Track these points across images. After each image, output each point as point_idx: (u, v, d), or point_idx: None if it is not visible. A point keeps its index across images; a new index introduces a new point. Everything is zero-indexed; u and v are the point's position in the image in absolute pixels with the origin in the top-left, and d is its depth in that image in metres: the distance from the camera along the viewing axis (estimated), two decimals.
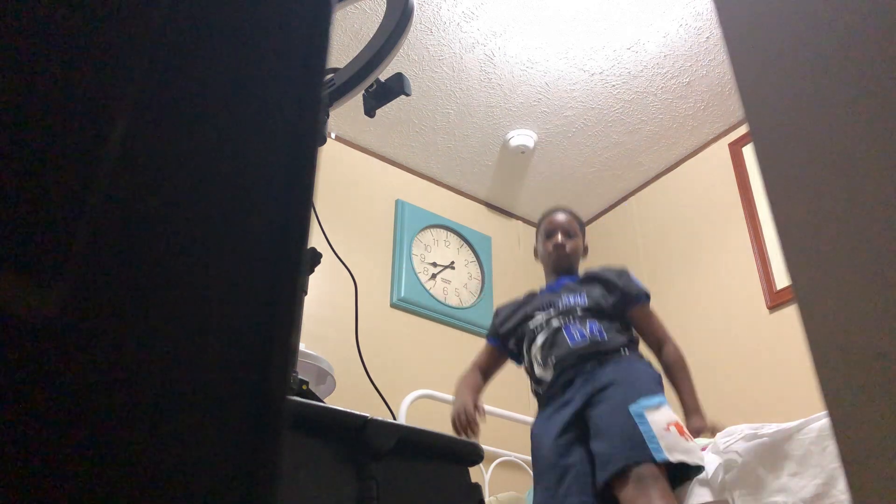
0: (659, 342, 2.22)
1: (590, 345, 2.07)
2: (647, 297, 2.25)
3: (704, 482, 1.73)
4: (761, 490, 1.64)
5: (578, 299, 2.19)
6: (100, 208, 0.24)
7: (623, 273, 2.28)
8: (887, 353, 0.38)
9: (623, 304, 2.20)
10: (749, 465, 1.68)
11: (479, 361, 2.39)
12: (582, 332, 2.11)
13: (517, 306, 2.36)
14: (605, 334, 2.09)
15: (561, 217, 2.42)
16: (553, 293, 2.28)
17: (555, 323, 2.17)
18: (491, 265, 3.65)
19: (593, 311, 2.17)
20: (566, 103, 3.26)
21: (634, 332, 2.23)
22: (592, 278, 2.26)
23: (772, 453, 1.67)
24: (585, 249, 2.45)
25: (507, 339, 2.31)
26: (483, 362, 2.37)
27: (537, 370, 2.17)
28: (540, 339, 2.18)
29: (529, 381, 2.26)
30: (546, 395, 2.14)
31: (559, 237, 2.35)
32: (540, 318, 2.22)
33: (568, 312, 2.18)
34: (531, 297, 2.37)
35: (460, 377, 2.36)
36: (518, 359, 2.31)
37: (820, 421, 1.63)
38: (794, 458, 1.62)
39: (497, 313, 2.43)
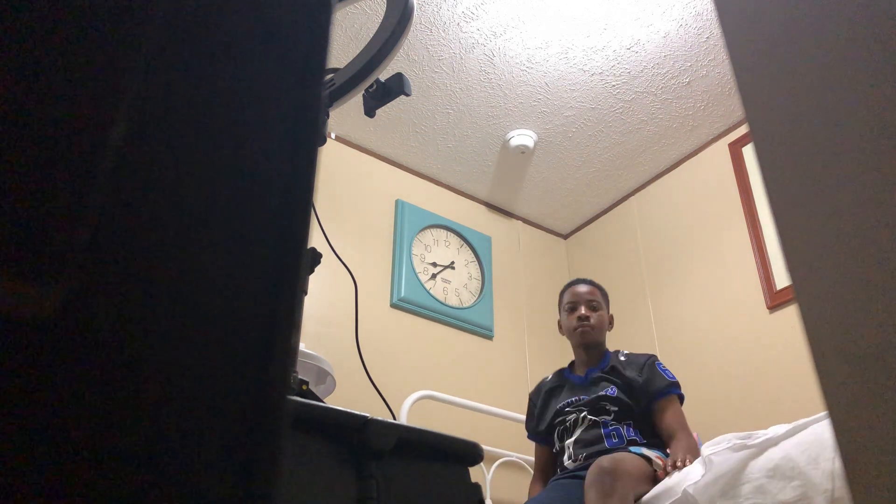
0: (670, 433, 2.14)
1: (626, 446, 2.10)
2: (673, 389, 2.21)
3: (689, 494, 1.72)
4: (739, 495, 1.64)
5: (606, 390, 2.20)
6: (100, 208, 0.24)
7: (649, 366, 2.24)
8: (887, 353, 0.38)
9: (648, 402, 2.20)
10: (731, 474, 1.68)
11: (540, 466, 2.39)
12: (619, 434, 2.13)
13: (549, 396, 2.36)
14: (641, 437, 2.12)
15: (583, 288, 2.39)
16: (583, 387, 2.29)
17: (589, 421, 2.19)
18: (491, 265, 3.65)
19: (626, 408, 2.18)
20: (566, 103, 3.26)
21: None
22: (618, 372, 2.25)
23: (753, 460, 1.66)
24: (611, 321, 2.44)
25: (549, 434, 2.33)
26: (544, 464, 2.38)
27: (566, 461, 2.20)
28: (576, 435, 2.21)
29: (556, 458, 2.30)
30: (563, 473, 2.19)
31: (583, 310, 2.33)
32: (574, 415, 2.23)
33: (600, 409, 2.19)
34: (560, 384, 2.37)
35: (530, 488, 2.38)
36: (552, 445, 2.34)
37: (807, 428, 1.63)
38: (775, 460, 1.62)
39: (532, 403, 2.44)
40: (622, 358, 2.32)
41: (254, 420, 0.26)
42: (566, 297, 2.42)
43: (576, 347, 2.38)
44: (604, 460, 1.86)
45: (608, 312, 2.44)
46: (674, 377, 2.24)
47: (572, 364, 2.46)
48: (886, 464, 0.37)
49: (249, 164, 0.29)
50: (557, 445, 2.27)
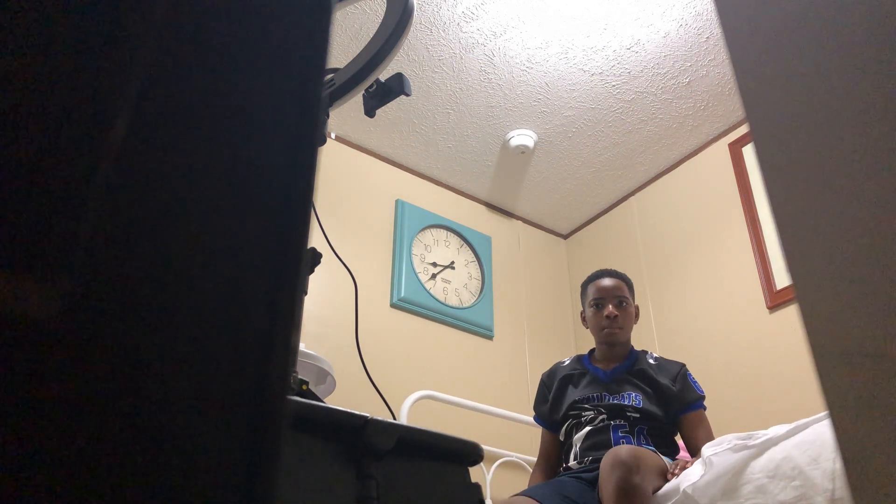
0: (698, 447, 2.10)
1: None
2: (702, 402, 2.19)
3: (689, 495, 1.72)
4: (739, 495, 1.64)
5: (632, 400, 2.16)
6: (101, 208, 0.24)
7: (682, 377, 2.20)
8: (887, 353, 0.38)
9: (676, 412, 2.17)
10: (731, 475, 1.67)
11: (545, 453, 2.36)
12: (629, 442, 2.08)
13: (566, 382, 2.31)
14: (651, 446, 2.07)
15: (610, 283, 2.30)
16: (603, 384, 2.23)
17: (602, 423, 2.15)
18: (491, 265, 3.65)
19: (645, 418, 2.14)
20: (566, 103, 3.26)
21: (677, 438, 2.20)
22: (648, 377, 2.19)
23: (754, 460, 1.66)
24: (637, 313, 2.37)
25: (560, 424, 2.29)
26: (549, 451, 2.35)
27: (572, 460, 2.18)
28: (584, 432, 2.17)
29: (561, 452, 2.27)
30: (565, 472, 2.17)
31: (611, 308, 2.25)
32: (590, 413, 2.19)
33: (618, 414, 2.14)
34: (580, 373, 2.31)
35: (532, 475, 2.37)
36: (560, 433, 2.31)
37: (808, 428, 1.63)
38: (775, 460, 1.62)
39: (545, 385, 2.38)
40: (652, 361, 2.25)
41: (254, 420, 0.26)
42: (592, 292, 2.31)
43: (600, 344, 2.31)
44: (622, 451, 1.81)
45: (634, 304, 2.36)
46: (702, 391, 2.20)
47: (592, 352, 2.38)
48: (886, 464, 0.37)
49: (249, 164, 0.29)
50: (565, 439, 2.26)
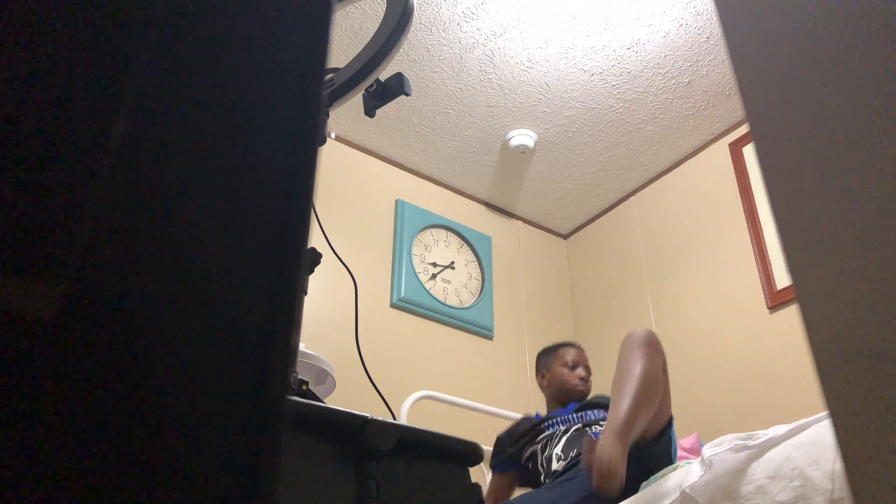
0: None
1: None
2: None
3: (688, 495, 1.72)
4: (739, 495, 1.64)
5: (597, 415, 2.30)
6: (100, 208, 0.24)
7: None
8: (887, 353, 0.38)
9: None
10: (731, 475, 1.67)
11: (494, 494, 2.41)
12: None
13: (524, 435, 2.41)
14: None
15: (580, 353, 2.57)
16: (565, 415, 2.36)
17: (577, 428, 2.26)
18: (491, 265, 3.65)
19: None
20: (566, 103, 3.26)
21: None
22: (596, 403, 2.36)
23: (754, 460, 1.66)
24: None
25: (517, 457, 2.37)
26: (501, 494, 2.41)
27: (556, 464, 2.21)
28: (563, 440, 2.24)
29: (534, 476, 2.30)
30: (553, 478, 2.20)
31: (583, 371, 2.49)
32: (560, 428, 2.29)
33: (591, 424, 2.26)
34: (538, 423, 2.42)
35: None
36: (526, 473, 2.35)
37: (808, 428, 1.63)
38: (776, 461, 1.62)
39: (499, 442, 2.46)
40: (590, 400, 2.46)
41: (254, 420, 0.26)
42: (567, 356, 2.53)
43: (556, 400, 2.47)
44: (636, 331, 1.94)
45: None
46: None
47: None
48: (886, 464, 0.37)
49: (249, 163, 0.29)
50: (542, 457, 2.29)
